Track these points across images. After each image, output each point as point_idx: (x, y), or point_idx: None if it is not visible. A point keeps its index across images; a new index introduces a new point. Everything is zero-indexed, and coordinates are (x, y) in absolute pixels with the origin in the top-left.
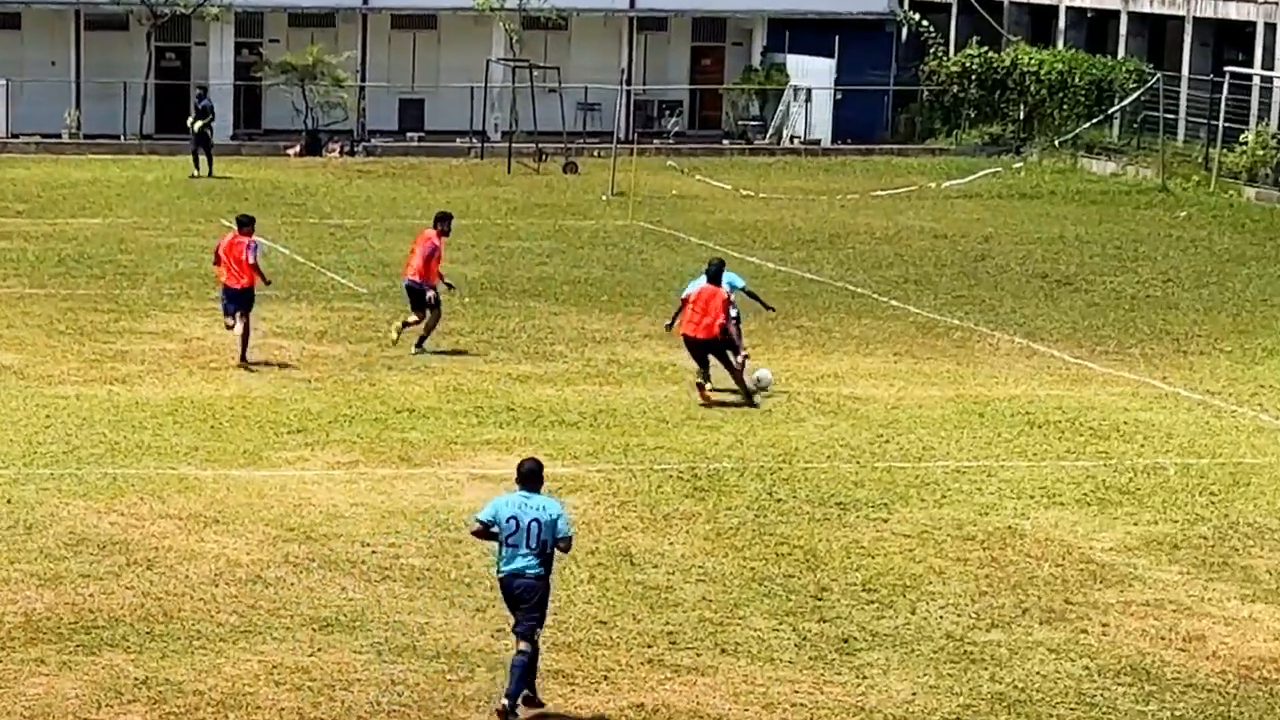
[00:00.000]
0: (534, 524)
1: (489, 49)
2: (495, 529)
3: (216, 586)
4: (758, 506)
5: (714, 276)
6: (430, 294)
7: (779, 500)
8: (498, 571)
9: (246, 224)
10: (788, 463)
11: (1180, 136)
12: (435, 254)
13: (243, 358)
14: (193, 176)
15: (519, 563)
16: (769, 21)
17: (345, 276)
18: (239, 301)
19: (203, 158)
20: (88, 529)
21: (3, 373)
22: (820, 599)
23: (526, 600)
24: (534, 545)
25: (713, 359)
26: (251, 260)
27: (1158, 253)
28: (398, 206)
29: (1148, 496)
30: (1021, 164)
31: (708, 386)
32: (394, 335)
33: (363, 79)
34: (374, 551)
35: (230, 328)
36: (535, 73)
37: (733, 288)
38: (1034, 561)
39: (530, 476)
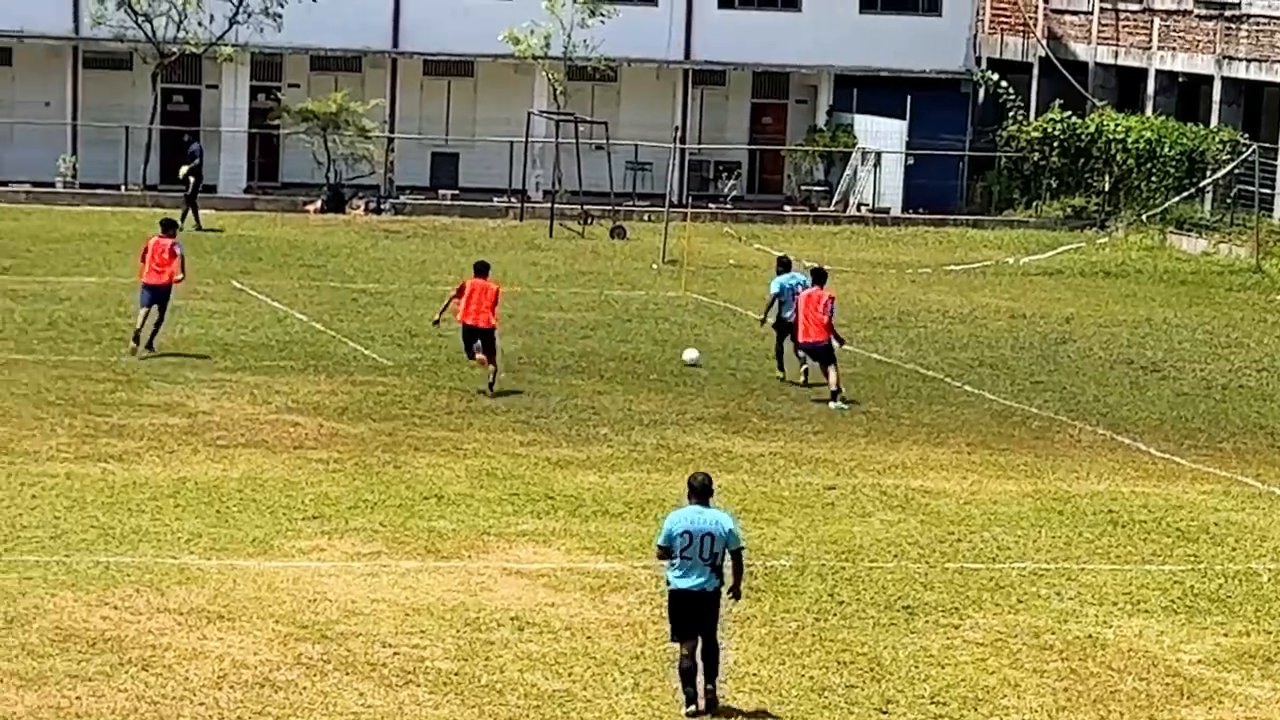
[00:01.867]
0: (707, 538)
1: (530, 100)
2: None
3: (220, 690)
4: (818, 609)
5: (819, 278)
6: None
7: (841, 603)
8: (668, 584)
9: (170, 228)
10: (851, 561)
11: (1277, 213)
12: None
13: (149, 344)
14: (197, 229)
15: (695, 578)
16: (835, 78)
17: (369, 347)
18: (159, 296)
19: (190, 211)
20: (76, 624)
21: None
22: (885, 712)
23: (700, 614)
24: (707, 558)
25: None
26: (178, 253)
27: (1251, 339)
28: (427, 270)
29: (1239, 605)
30: (1106, 239)
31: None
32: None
33: (391, 129)
34: (396, 653)
35: (144, 320)
36: (581, 128)
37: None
38: (1116, 674)
39: (702, 491)
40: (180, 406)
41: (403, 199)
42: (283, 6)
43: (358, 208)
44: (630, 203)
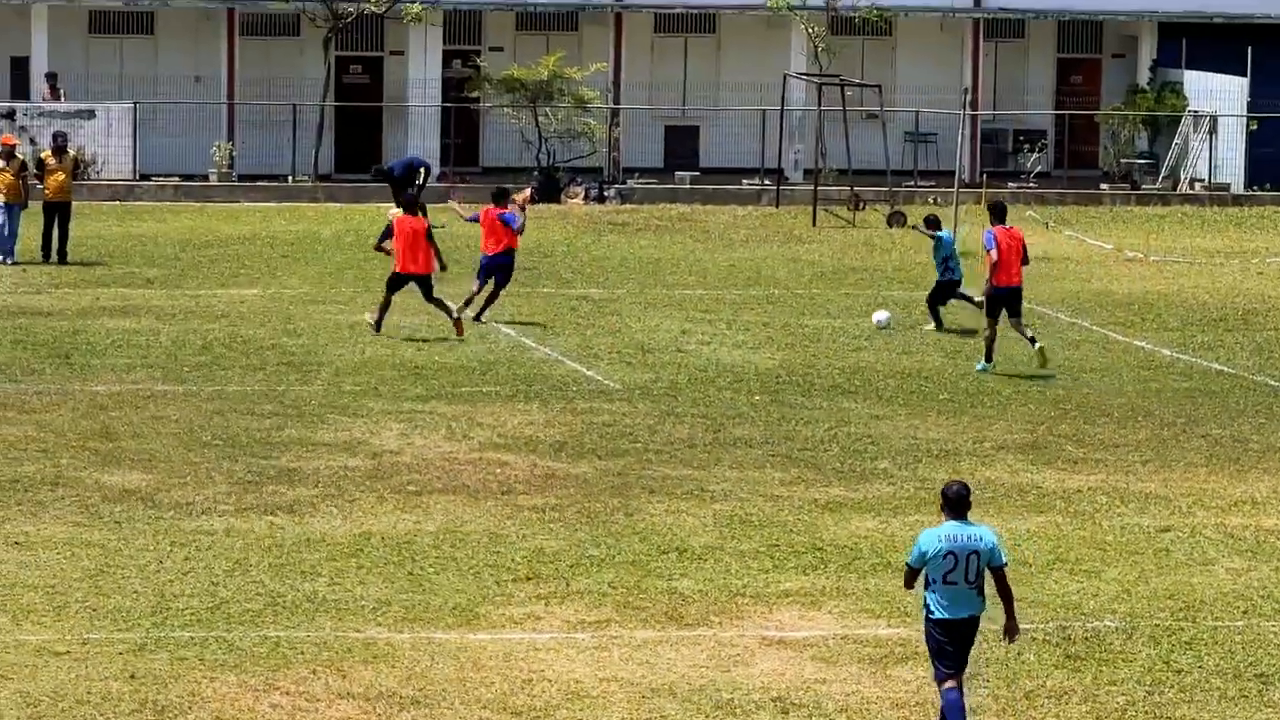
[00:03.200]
0: (973, 556)
1: (786, 60)
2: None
3: None
4: (1151, 680)
5: (1002, 214)
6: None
7: (1179, 671)
8: (931, 615)
9: (502, 196)
10: (1191, 620)
11: None
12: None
13: (478, 317)
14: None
15: (966, 605)
16: (1160, 27)
17: (592, 367)
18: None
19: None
20: (240, 713)
21: (127, 499)
22: None
23: (967, 644)
24: (974, 580)
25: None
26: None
27: None
28: (663, 271)
29: None
30: None
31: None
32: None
33: (616, 100)
34: None
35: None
36: (849, 92)
37: None
38: None
39: (960, 503)
40: (362, 445)
41: (630, 184)
42: None
43: (576, 195)
44: (911, 182)
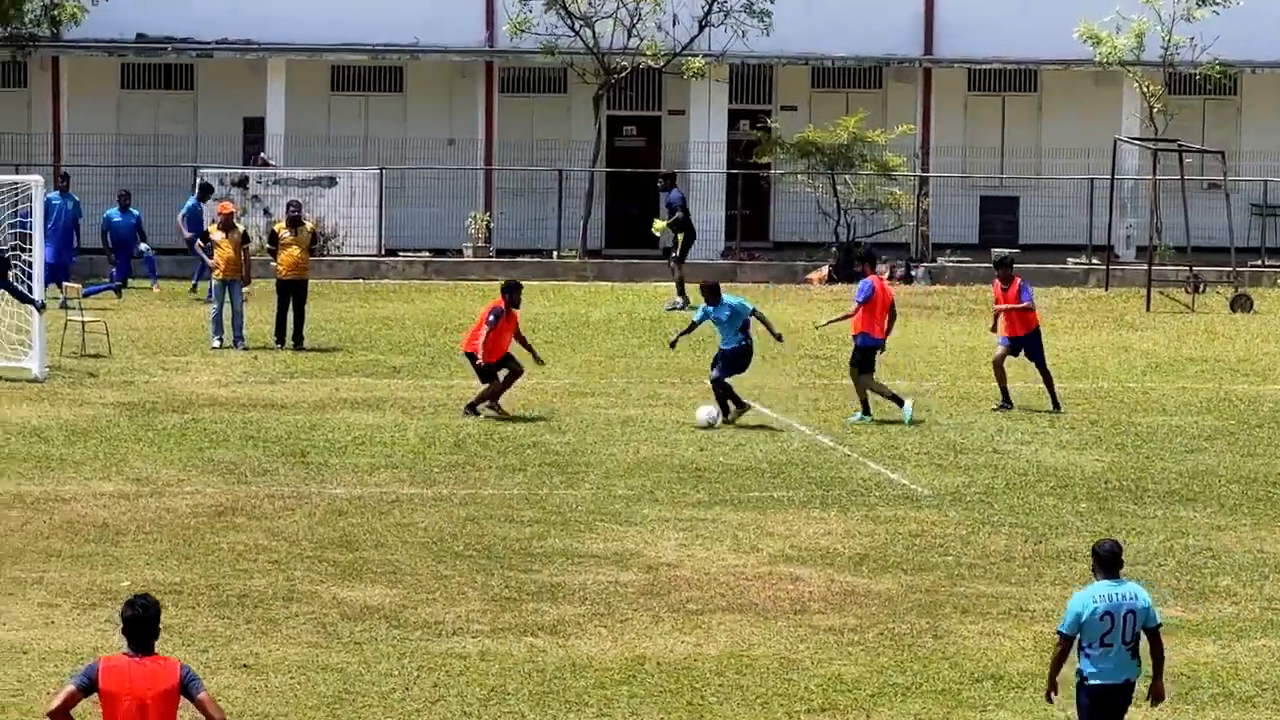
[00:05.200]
0: (1129, 615)
1: (1117, 123)
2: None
3: None
4: None
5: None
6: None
7: None
8: (1086, 682)
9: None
10: None
11: None
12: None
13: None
14: (683, 304)
15: (1123, 669)
16: None
17: (897, 469)
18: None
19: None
20: None
21: (368, 617)
22: None
23: (1122, 711)
24: (1129, 641)
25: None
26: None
27: None
28: (976, 360)
29: None
30: None
31: None
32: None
33: (924, 166)
34: None
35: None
36: (1188, 159)
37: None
38: None
39: (1114, 560)
40: (635, 556)
41: (941, 261)
42: (773, 1)
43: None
44: (1257, 261)
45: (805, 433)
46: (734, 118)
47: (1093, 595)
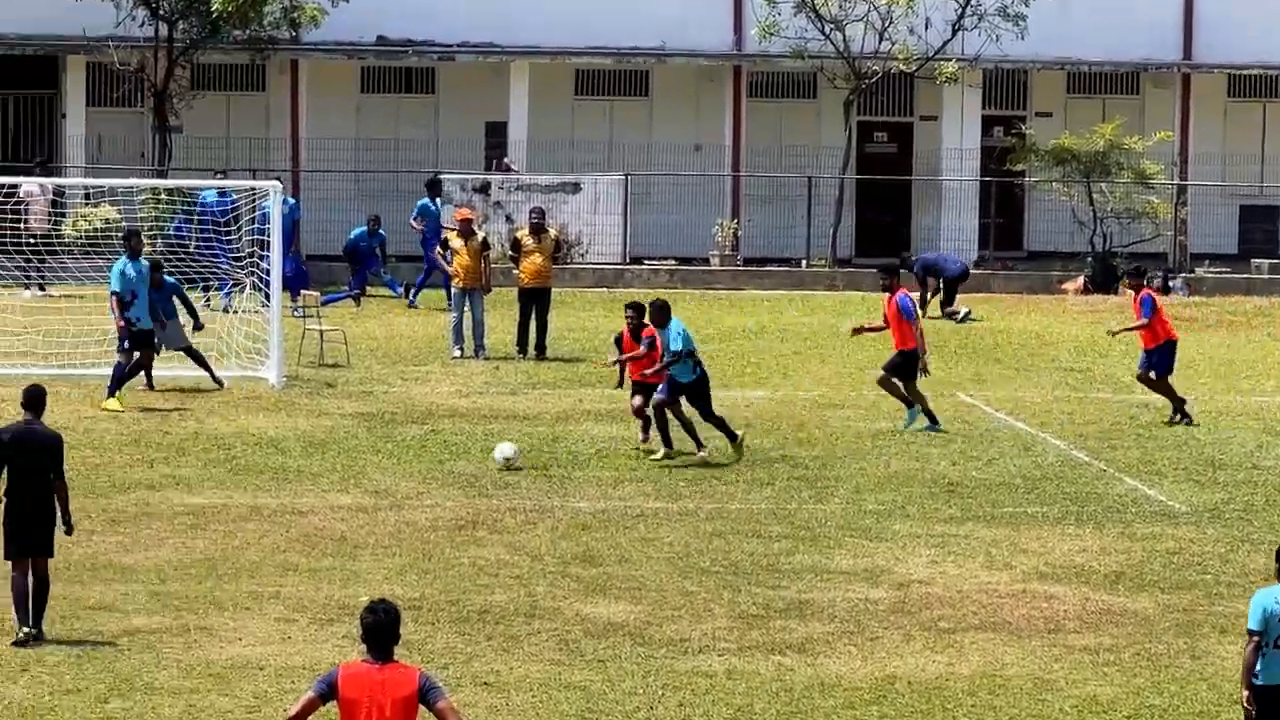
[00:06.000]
0: None
1: None
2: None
3: None
4: None
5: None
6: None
7: None
8: (1255, 681)
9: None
10: None
11: None
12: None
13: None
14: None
15: None
16: None
17: (1154, 485)
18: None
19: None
20: None
21: (612, 634)
22: None
23: None
24: None
25: None
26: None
27: None
28: (1236, 374)
29: None
30: None
31: None
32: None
33: (1183, 174)
34: None
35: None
36: None
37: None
38: None
39: None
40: (885, 573)
41: (1200, 272)
42: (1028, 5)
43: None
44: None
45: (1060, 447)
46: (987, 124)
47: (1274, 595)
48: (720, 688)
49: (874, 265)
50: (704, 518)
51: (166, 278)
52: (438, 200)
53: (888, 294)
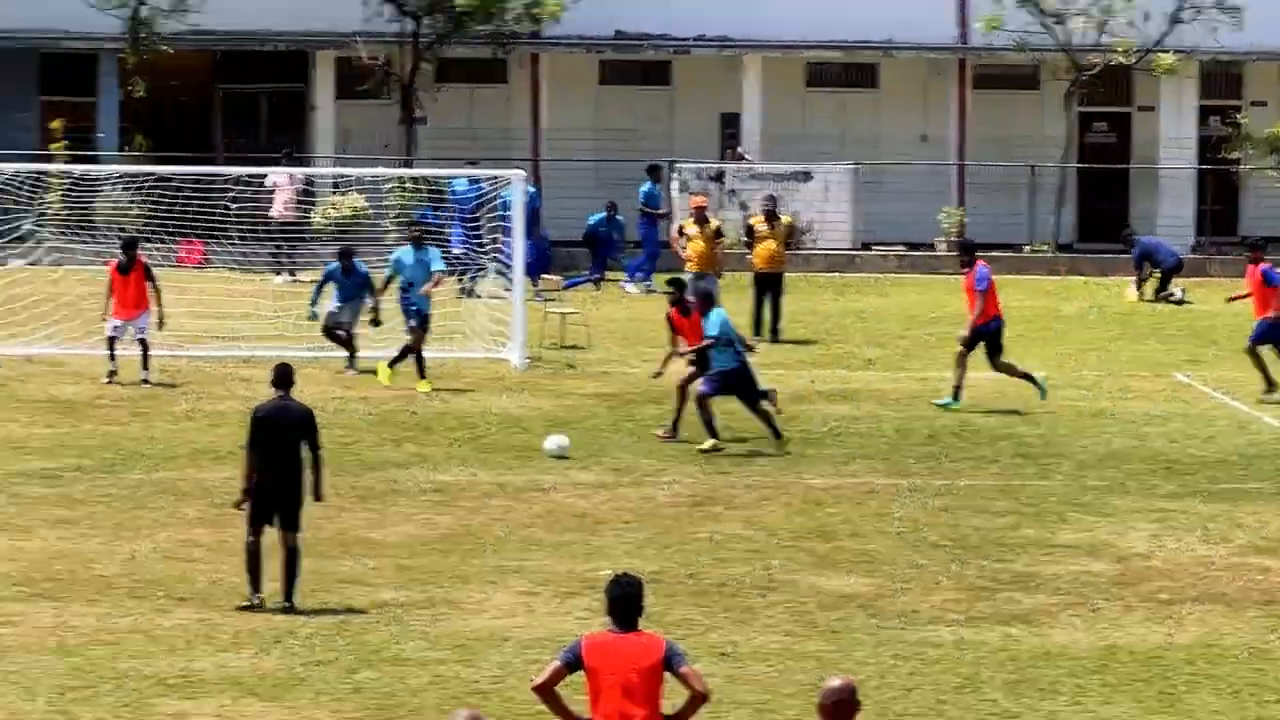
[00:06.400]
0: None
1: None
2: None
3: None
4: None
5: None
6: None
7: None
8: None
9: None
10: None
11: None
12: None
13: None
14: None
15: None
16: None
17: None
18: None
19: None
20: None
21: (845, 605)
22: None
23: None
24: None
25: None
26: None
27: None
28: None
29: None
30: None
31: None
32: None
33: None
34: None
35: None
36: None
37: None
38: None
39: None
40: (1107, 547)
41: None
42: None
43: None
44: None
45: (1276, 426)
46: (1204, 113)
47: None
48: (949, 657)
49: (1096, 250)
50: (932, 494)
51: (358, 265)
52: (658, 185)
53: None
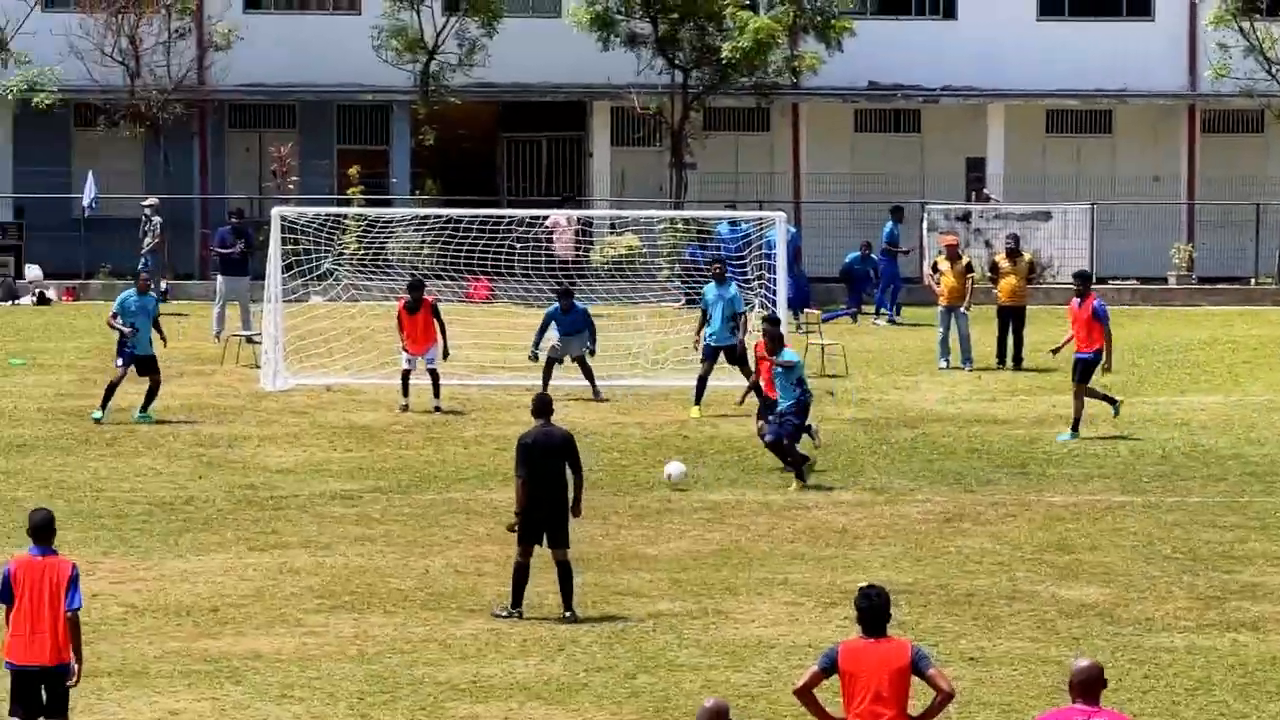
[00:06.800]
0: None
1: None
2: None
3: None
4: None
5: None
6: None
7: None
8: None
9: None
10: None
11: None
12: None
13: None
14: None
15: None
16: None
17: None
18: None
19: None
20: None
21: (1084, 614)
22: None
23: None
24: None
25: None
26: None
27: None
28: None
29: None
30: None
31: None
32: None
33: None
34: None
35: None
36: None
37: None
38: None
39: None
40: None
41: None
42: None
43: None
44: None
45: None
46: None
47: None
48: (1181, 662)
49: None
50: (1165, 510)
51: (576, 304)
52: (899, 225)
53: None
